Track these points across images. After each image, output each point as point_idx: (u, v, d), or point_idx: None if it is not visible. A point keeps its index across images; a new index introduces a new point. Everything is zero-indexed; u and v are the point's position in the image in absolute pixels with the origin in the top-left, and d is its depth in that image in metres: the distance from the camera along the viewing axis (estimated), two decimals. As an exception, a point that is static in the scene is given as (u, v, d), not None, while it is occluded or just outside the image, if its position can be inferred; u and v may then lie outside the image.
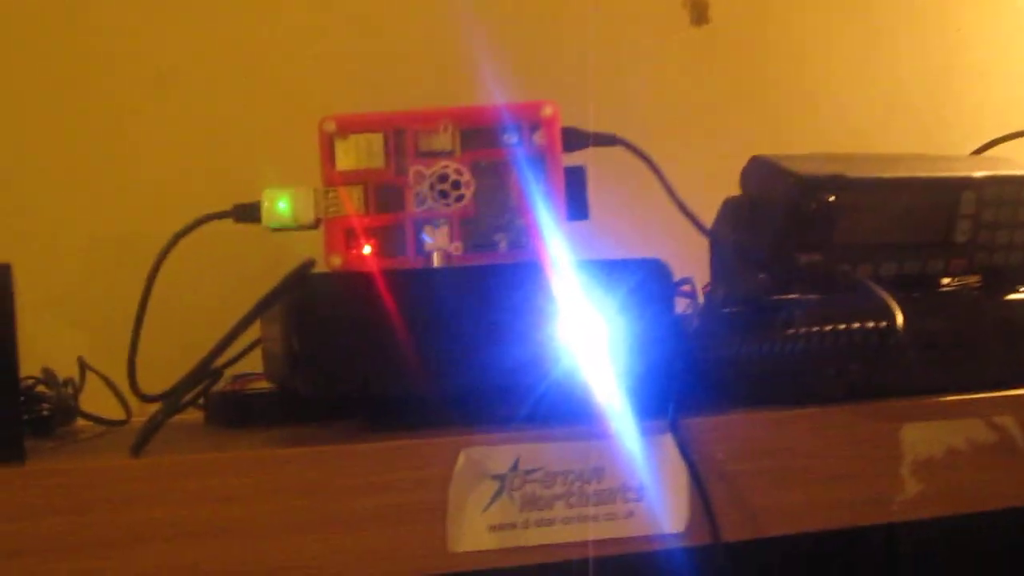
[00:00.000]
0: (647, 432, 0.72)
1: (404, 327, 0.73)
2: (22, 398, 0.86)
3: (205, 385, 0.84)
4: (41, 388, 0.91)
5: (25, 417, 0.86)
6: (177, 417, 0.92)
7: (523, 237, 0.81)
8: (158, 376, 0.81)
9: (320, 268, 0.76)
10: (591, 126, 0.84)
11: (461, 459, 0.69)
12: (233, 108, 1.13)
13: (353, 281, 0.74)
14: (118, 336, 0.89)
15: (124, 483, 0.65)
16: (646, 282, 0.77)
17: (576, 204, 0.83)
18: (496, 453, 0.70)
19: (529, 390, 0.74)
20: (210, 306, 0.88)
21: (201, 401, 0.90)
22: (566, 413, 0.73)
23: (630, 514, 0.72)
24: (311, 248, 0.79)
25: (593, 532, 0.71)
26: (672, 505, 0.73)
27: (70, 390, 0.94)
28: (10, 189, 1.08)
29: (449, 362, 0.74)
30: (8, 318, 0.67)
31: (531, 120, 0.82)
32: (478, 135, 0.82)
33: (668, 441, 0.72)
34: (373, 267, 0.78)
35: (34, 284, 1.07)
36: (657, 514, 0.72)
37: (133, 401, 0.91)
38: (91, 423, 0.94)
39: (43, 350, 0.96)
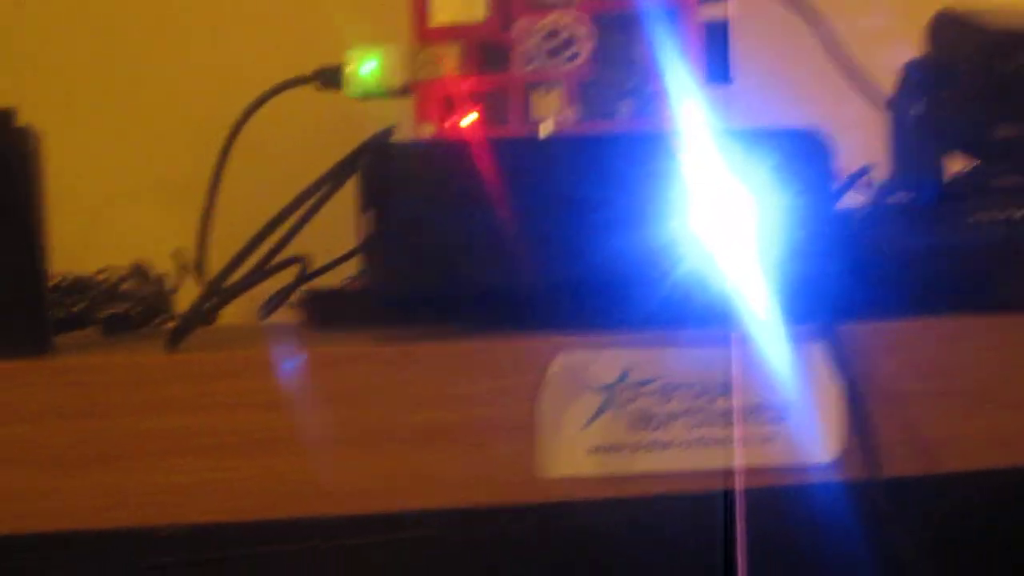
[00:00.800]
0: (794, 339, 0.59)
1: (503, 207, 0.61)
2: (98, 292, 0.79)
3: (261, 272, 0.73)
4: (129, 284, 0.82)
5: (100, 315, 0.78)
6: (275, 318, 0.83)
7: (651, 104, 0.68)
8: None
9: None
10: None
11: (557, 365, 0.57)
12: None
13: (442, 151, 0.62)
14: (217, 225, 0.80)
15: (154, 384, 0.55)
16: (800, 157, 0.63)
17: (717, 65, 0.69)
18: (601, 359, 0.58)
19: (651, 285, 0.62)
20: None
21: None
22: (692, 313, 0.60)
23: (768, 439, 0.59)
24: (402, 119, 0.68)
25: (720, 459, 0.58)
26: (822, 430, 0.59)
27: (165, 286, 0.85)
28: (95, 78, 1.00)
29: (556, 251, 0.62)
30: (28, 188, 0.57)
31: (664, -34, 0.68)
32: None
33: (820, 351, 0.59)
34: (471, 136, 0.66)
35: (130, 172, 1.00)
36: (802, 440, 0.59)
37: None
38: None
39: (139, 243, 0.89)
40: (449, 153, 0.62)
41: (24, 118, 0.58)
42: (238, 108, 0.75)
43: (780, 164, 0.62)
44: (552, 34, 0.68)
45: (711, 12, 0.69)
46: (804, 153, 0.63)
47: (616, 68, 0.68)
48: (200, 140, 0.83)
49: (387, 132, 0.62)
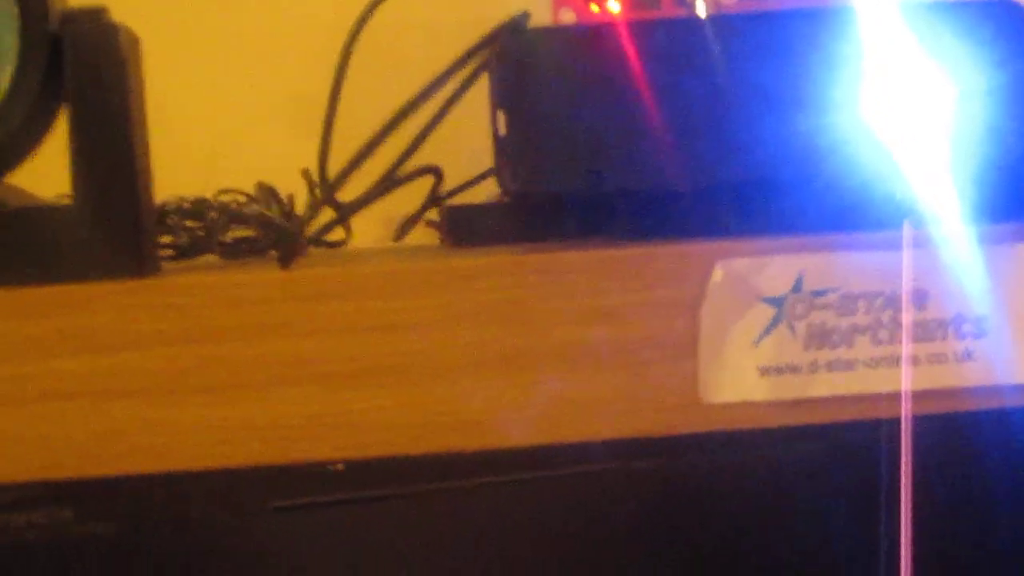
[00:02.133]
0: (995, 240, 0.51)
1: (656, 100, 0.54)
2: (221, 215, 0.73)
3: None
4: (254, 208, 0.76)
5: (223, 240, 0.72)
6: (412, 238, 0.76)
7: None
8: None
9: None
10: None
11: (718, 274, 0.50)
12: None
13: (585, 37, 0.55)
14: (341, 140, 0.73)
15: (263, 304, 0.49)
16: (1000, 30, 0.54)
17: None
18: (770, 267, 0.50)
19: (827, 182, 0.54)
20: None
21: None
22: (875, 213, 0.52)
23: (966, 356, 0.51)
24: (537, 6, 0.60)
25: (911, 380, 0.50)
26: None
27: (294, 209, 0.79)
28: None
29: (716, 148, 0.54)
30: (122, 91, 0.51)
31: None
32: None
33: (1024, 253, 0.51)
34: (617, 19, 0.59)
35: (249, 89, 0.94)
36: (1005, 357, 0.51)
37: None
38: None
39: (266, 165, 0.83)
40: (593, 39, 0.55)
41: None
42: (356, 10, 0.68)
43: (976, 40, 0.54)
44: None
45: None
46: (1004, 26, 0.54)
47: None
48: (322, 50, 0.76)
49: (522, 17, 0.54)
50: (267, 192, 0.79)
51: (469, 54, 0.53)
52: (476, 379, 0.49)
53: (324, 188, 0.72)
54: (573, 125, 0.54)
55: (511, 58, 0.54)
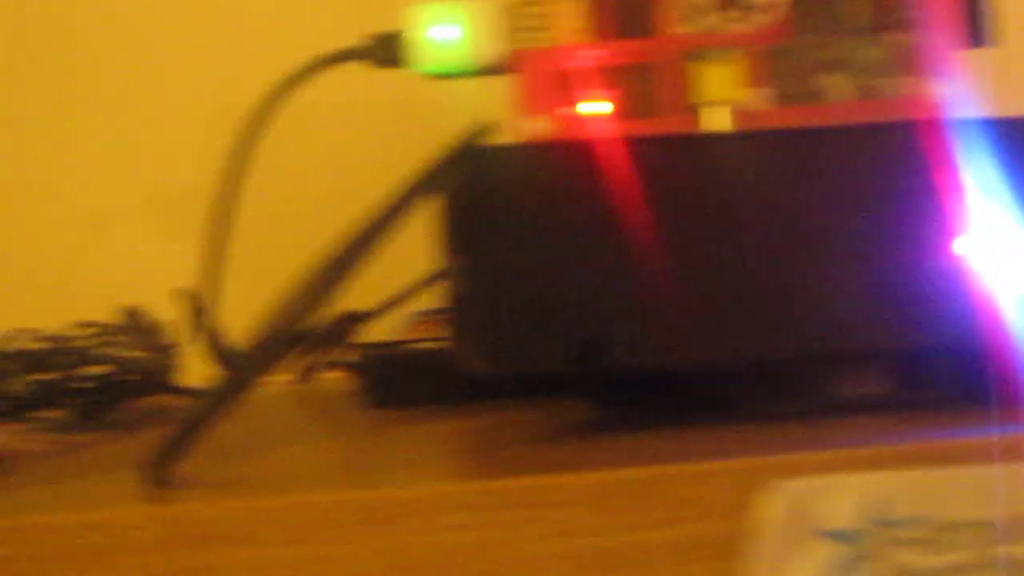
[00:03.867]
0: None
1: (656, 246, 0.40)
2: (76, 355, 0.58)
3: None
4: (115, 343, 0.61)
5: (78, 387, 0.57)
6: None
7: (877, 79, 0.45)
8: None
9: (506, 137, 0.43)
10: None
11: (766, 501, 0.36)
12: None
13: (563, 158, 0.41)
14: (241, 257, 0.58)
15: (128, 555, 0.33)
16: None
17: (974, 21, 0.46)
18: (834, 489, 0.36)
19: (896, 356, 0.40)
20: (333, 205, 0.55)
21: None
22: (967, 399, 0.39)
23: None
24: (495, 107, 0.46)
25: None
26: None
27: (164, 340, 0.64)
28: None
29: (738, 310, 0.40)
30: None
31: None
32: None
33: None
34: (603, 133, 0.44)
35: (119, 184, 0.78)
36: None
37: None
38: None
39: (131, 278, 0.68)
40: (572, 162, 0.41)
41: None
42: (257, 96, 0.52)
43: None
44: (729, -24, 0.45)
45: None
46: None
47: (822, 27, 0.46)
48: (209, 140, 0.61)
49: (481, 132, 0.40)
50: (132, 319, 0.64)
51: (413, 191, 0.38)
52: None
53: (207, 328, 0.57)
54: (556, 282, 0.39)
55: (472, 193, 0.39)
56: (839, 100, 0.45)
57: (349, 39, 0.49)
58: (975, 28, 0.46)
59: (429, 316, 0.66)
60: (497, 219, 0.40)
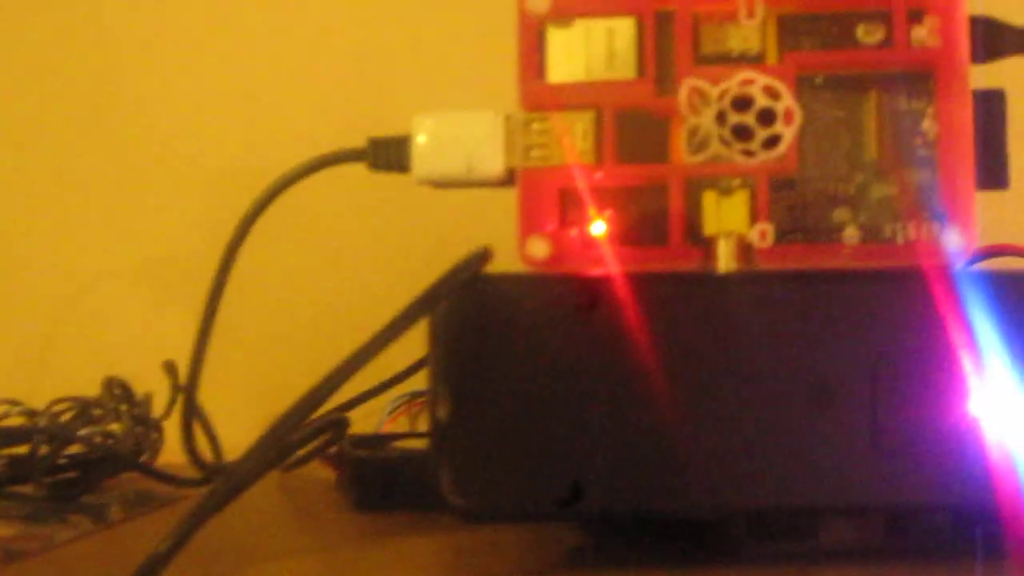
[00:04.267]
0: None
1: (662, 384, 0.39)
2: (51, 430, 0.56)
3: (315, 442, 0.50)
4: (91, 417, 0.59)
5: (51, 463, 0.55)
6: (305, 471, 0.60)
7: (888, 219, 0.44)
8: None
9: (505, 263, 0.41)
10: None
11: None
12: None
13: (566, 292, 0.39)
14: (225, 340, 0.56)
15: None
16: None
17: (990, 158, 0.45)
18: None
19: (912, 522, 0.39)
20: (323, 320, 0.54)
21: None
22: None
23: None
24: (498, 222, 0.44)
25: None
26: None
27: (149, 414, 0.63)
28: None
29: (750, 460, 0.39)
30: None
31: (913, 2, 0.44)
32: (808, 27, 0.45)
33: None
34: (608, 265, 0.43)
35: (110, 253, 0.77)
36: None
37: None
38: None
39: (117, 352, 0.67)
40: (579, 297, 0.39)
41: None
42: (256, 191, 0.51)
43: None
44: (741, 103, 0.43)
45: (984, 75, 0.45)
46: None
47: (833, 161, 0.44)
48: (205, 222, 0.59)
49: (479, 259, 0.39)
50: (116, 391, 0.62)
51: (408, 316, 0.37)
52: None
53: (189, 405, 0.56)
54: (542, 420, 0.38)
55: (462, 324, 0.38)
56: (852, 241, 0.43)
57: (350, 141, 0.48)
58: (993, 167, 0.44)
59: (414, 398, 0.65)
60: (486, 351, 0.39)
